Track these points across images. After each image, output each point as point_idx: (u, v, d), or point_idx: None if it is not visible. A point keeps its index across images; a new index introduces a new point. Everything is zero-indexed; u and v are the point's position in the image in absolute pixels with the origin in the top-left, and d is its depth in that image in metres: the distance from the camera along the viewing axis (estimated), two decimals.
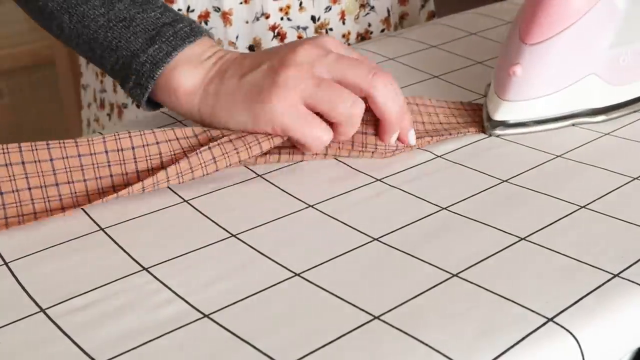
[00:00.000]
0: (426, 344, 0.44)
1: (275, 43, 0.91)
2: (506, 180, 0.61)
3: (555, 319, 0.45)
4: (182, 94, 0.64)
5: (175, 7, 0.87)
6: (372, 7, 0.96)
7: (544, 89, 0.68)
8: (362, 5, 0.95)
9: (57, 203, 0.57)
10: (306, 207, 0.58)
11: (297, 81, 0.60)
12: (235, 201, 0.59)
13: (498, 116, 0.68)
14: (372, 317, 0.46)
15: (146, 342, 0.45)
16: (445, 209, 0.58)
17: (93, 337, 0.45)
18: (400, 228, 0.55)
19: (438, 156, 0.65)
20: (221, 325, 0.46)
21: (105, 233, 0.55)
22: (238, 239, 0.54)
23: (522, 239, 0.53)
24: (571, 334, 0.44)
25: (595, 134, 0.68)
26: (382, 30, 0.98)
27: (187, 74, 0.64)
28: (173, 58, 0.64)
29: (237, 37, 0.90)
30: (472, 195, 0.59)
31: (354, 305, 0.47)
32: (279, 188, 0.61)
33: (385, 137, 0.64)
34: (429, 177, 0.62)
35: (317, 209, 0.58)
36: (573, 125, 0.69)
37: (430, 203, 0.58)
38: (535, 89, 0.68)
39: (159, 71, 0.64)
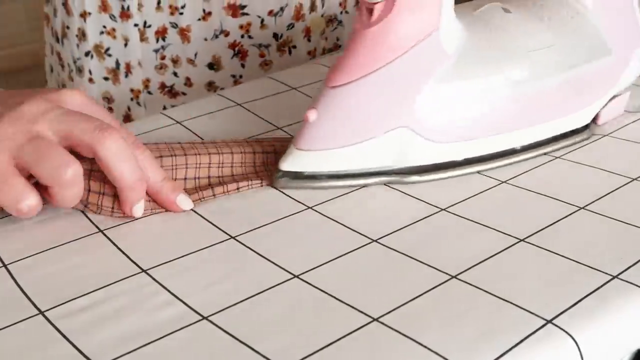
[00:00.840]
0: (425, 346, 0.44)
1: (236, 61, 0.90)
2: (505, 182, 0.61)
3: (554, 321, 0.45)
4: None
5: (131, 22, 0.86)
6: (340, 22, 0.95)
7: (340, 140, 0.58)
8: (330, 21, 0.94)
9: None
10: (305, 209, 0.58)
11: (7, 136, 0.53)
12: (234, 204, 0.59)
13: (285, 165, 0.59)
14: (371, 319, 0.46)
15: (145, 344, 0.45)
16: (443, 210, 0.58)
17: (92, 340, 0.45)
18: (399, 230, 0.55)
19: None
20: (220, 327, 0.46)
21: (105, 235, 0.55)
22: (237, 240, 0.54)
23: (521, 240, 0.53)
24: (570, 335, 0.44)
25: (594, 134, 0.68)
26: None
27: None
28: None
29: (195, 55, 0.88)
30: (471, 197, 0.59)
31: (353, 307, 0.47)
32: (279, 190, 0.61)
33: (124, 206, 0.56)
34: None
35: (316, 211, 0.58)
36: (384, 184, 0.61)
37: (429, 204, 0.58)
38: (329, 139, 0.58)
39: None
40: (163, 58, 0.88)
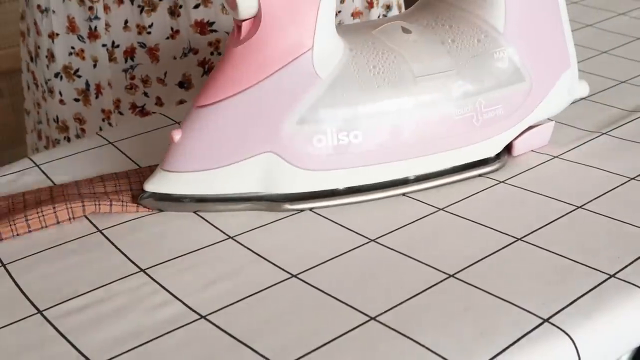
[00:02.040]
0: (422, 345, 0.44)
1: (206, 79, 0.87)
2: (502, 181, 0.61)
3: (551, 320, 0.45)
4: None
5: (99, 42, 0.85)
6: None
7: (204, 162, 0.56)
8: None
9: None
10: (303, 210, 0.58)
11: None
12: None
13: (149, 186, 0.57)
14: (368, 318, 0.46)
15: (143, 344, 0.45)
16: (441, 209, 0.58)
17: (91, 339, 0.45)
18: (397, 229, 0.55)
19: None
20: (218, 327, 0.46)
21: (103, 235, 0.55)
22: (235, 240, 0.55)
23: (518, 239, 0.53)
24: (567, 334, 0.44)
25: (591, 133, 0.68)
26: None
27: None
28: None
29: (165, 74, 0.87)
30: (469, 196, 0.59)
31: (351, 306, 0.47)
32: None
33: None
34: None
35: (314, 211, 0.58)
36: (250, 209, 0.58)
37: (427, 204, 0.58)
38: (193, 161, 0.56)
39: None
40: (133, 78, 0.87)
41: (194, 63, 0.87)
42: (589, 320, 0.46)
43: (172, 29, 0.85)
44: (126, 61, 0.86)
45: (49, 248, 0.54)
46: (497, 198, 0.59)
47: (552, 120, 0.66)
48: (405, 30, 0.60)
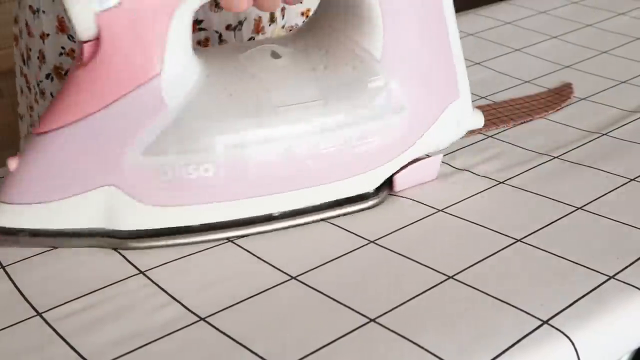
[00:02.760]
0: (421, 347, 0.44)
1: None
2: (502, 182, 0.61)
3: (550, 322, 0.45)
4: None
5: None
6: None
7: (40, 194, 0.52)
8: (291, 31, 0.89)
9: None
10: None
11: None
12: None
13: None
14: (368, 320, 0.46)
15: (143, 346, 0.45)
16: (441, 210, 0.58)
17: (90, 341, 0.45)
18: (396, 230, 0.55)
19: None
20: (217, 329, 0.46)
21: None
22: (234, 243, 0.55)
23: (517, 240, 0.53)
24: (566, 336, 0.44)
25: (592, 134, 0.68)
26: None
27: None
28: None
29: None
30: (468, 197, 0.59)
31: (350, 308, 0.47)
32: None
33: None
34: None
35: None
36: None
37: (426, 205, 0.58)
38: (29, 192, 0.52)
39: None
40: None
41: None
42: (589, 322, 0.46)
43: None
44: None
45: (48, 250, 0.54)
46: (496, 199, 0.59)
47: (439, 153, 0.61)
48: (275, 55, 0.55)
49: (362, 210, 0.58)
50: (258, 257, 0.53)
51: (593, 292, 0.48)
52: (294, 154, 0.54)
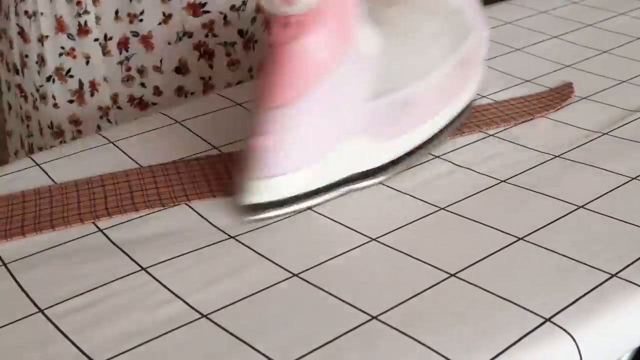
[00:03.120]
0: (424, 344, 0.44)
1: (203, 62, 0.87)
2: (504, 181, 0.61)
3: (552, 319, 0.45)
4: None
5: (91, 37, 0.84)
6: None
7: (297, 161, 0.57)
8: None
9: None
10: (304, 209, 0.58)
11: None
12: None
13: (250, 199, 0.57)
14: (370, 317, 0.46)
15: (145, 342, 0.45)
16: (443, 209, 0.58)
17: (92, 338, 0.45)
18: (399, 228, 0.55)
19: (436, 156, 0.65)
20: (219, 326, 0.46)
21: (104, 234, 0.55)
22: (236, 240, 0.54)
23: (519, 238, 0.53)
24: (569, 334, 0.44)
25: (592, 133, 0.68)
26: None
27: None
28: None
29: (161, 61, 0.86)
30: (470, 196, 0.59)
31: (352, 306, 0.47)
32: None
33: None
34: (427, 177, 0.62)
35: (314, 211, 0.58)
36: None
37: (428, 203, 0.58)
38: (287, 162, 0.56)
39: None
40: (128, 70, 0.86)
41: (189, 47, 0.86)
42: (591, 320, 0.46)
43: (164, 13, 0.84)
44: (120, 53, 0.85)
45: (50, 247, 0.54)
46: (498, 197, 0.59)
47: None
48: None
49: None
50: (260, 254, 0.53)
51: (595, 290, 0.48)
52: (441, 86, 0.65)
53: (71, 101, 0.87)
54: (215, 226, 0.56)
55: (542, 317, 0.45)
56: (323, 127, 0.57)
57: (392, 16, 0.64)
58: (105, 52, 0.85)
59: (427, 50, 0.64)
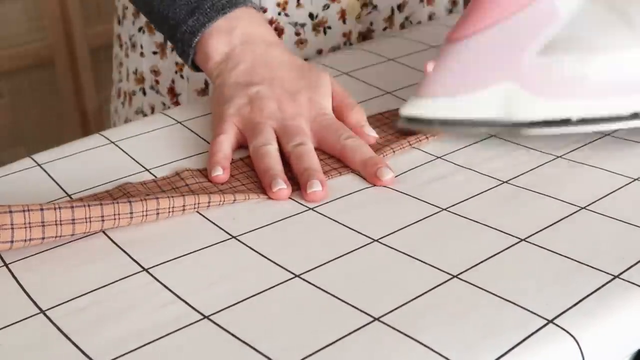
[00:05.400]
0: (426, 346, 0.44)
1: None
2: (506, 182, 0.61)
3: (555, 321, 0.45)
4: (211, 62, 0.72)
5: None
6: (375, 7, 0.95)
7: (449, 89, 0.64)
8: (365, 4, 0.94)
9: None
10: (306, 210, 0.58)
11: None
12: (235, 204, 0.59)
13: (404, 110, 0.66)
14: (372, 319, 0.46)
15: (146, 344, 0.45)
16: (445, 210, 0.57)
17: (93, 339, 0.45)
18: (401, 229, 0.55)
19: (438, 157, 0.65)
20: (221, 327, 0.46)
21: (105, 234, 0.55)
22: (239, 240, 0.54)
23: (522, 240, 0.53)
24: (571, 335, 0.44)
25: (595, 133, 0.68)
26: (385, 29, 0.97)
27: (218, 44, 0.71)
28: (207, 29, 0.71)
29: None
30: (472, 197, 0.59)
31: (354, 307, 0.47)
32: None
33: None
34: (429, 178, 0.62)
35: (317, 211, 0.58)
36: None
37: (430, 204, 0.58)
38: (440, 87, 0.64)
39: (195, 40, 0.72)
40: None
41: None
42: (593, 321, 0.46)
43: None
44: None
45: (52, 248, 0.54)
46: (500, 198, 0.59)
47: None
48: None
49: None
50: (262, 255, 0.52)
51: (598, 292, 0.48)
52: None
53: (155, 52, 0.94)
54: (218, 226, 0.56)
55: (544, 318, 0.45)
56: (483, 66, 0.63)
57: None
58: None
59: (626, 33, 0.62)
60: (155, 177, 0.62)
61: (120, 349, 0.44)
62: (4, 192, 0.61)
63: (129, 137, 0.69)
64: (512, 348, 0.43)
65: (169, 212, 0.56)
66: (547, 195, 0.59)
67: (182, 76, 0.92)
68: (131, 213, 0.55)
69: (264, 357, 0.43)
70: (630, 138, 0.67)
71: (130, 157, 0.66)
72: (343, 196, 0.60)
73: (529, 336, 0.44)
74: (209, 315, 0.47)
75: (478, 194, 0.59)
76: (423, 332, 0.45)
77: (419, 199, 0.59)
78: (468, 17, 0.63)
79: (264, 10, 0.88)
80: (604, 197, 0.58)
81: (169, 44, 0.92)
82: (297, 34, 0.91)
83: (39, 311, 0.47)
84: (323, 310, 0.47)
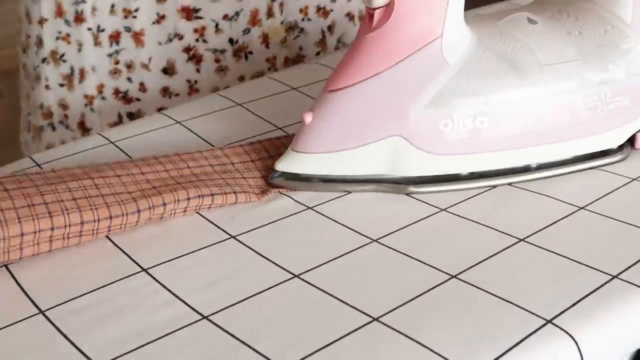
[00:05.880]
0: (425, 346, 0.44)
1: (191, 66, 0.88)
2: (506, 182, 0.61)
3: (554, 321, 0.45)
4: None
5: (85, 25, 0.85)
6: (302, 30, 0.92)
7: (334, 144, 0.58)
8: (291, 28, 0.92)
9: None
10: (305, 209, 0.58)
11: None
12: (234, 204, 0.59)
13: (280, 166, 0.60)
14: (371, 319, 0.46)
15: (145, 344, 0.45)
16: (444, 210, 0.58)
17: (92, 339, 0.45)
18: (399, 229, 0.55)
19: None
20: (220, 327, 0.46)
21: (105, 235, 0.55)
22: (237, 240, 0.54)
23: (521, 240, 0.53)
24: (570, 335, 0.44)
25: None
26: (318, 53, 0.95)
27: None
28: None
29: (150, 59, 0.87)
30: (471, 197, 0.59)
31: (353, 307, 0.47)
32: (278, 192, 0.60)
33: None
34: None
35: (316, 211, 0.58)
36: (376, 191, 0.60)
37: (429, 204, 0.58)
38: (323, 142, 0.58)
39: None
40: (117, 63, 0.87)
41: (178, 49, 0.87)
42: (592, 321, 0.46)
43: (158, 14, 0.86)
44: (111, 45, 0.86)
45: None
46: (499, 198, 0.59)
47: None
48: (531, 21, 0.61)
49: (607, 165, 0.62)
50: (261, 255, 0.53)
51: (596, 292, 0.48)
52: (555, 110, 0.59)
53: (62, 85, 0.89)
54: (217, 226, 0.56)
55: (543, 318, 0.45)
56: (367, 119, 0.57)
57: (529, 32, 0.60)
58: (96, 43, 0.86)
59: (539, 75, 0.59)
60: None
61: (119, 349, 0.44)
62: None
63: (128, 137, 0.69)
64: (511, 348, 0.43)
65: (171, 214, 0.57)
66: (545, 195, 0.59)
67: (92, 109, 0.89)
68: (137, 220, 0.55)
69: (263, 357, 0.43)
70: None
71: (130, 157, 0.66)
72: (342, 196, 0.60)
73: (528, 336, 0.44)
74: (208, 315, 0.47)
75: (475, 195, 0.59)
76: (422, 332, 0.45)
77: (417, 199, 0.59)
78: (348, 66, 0.58)
79: (180, 37, 0.86)
80: (603, 197, 0.58)
81: (76, 74, 0.88)
82: (217, 60, 0.89)
83: (38, 311, 0.47)
84: (322, 310, 0.47)
